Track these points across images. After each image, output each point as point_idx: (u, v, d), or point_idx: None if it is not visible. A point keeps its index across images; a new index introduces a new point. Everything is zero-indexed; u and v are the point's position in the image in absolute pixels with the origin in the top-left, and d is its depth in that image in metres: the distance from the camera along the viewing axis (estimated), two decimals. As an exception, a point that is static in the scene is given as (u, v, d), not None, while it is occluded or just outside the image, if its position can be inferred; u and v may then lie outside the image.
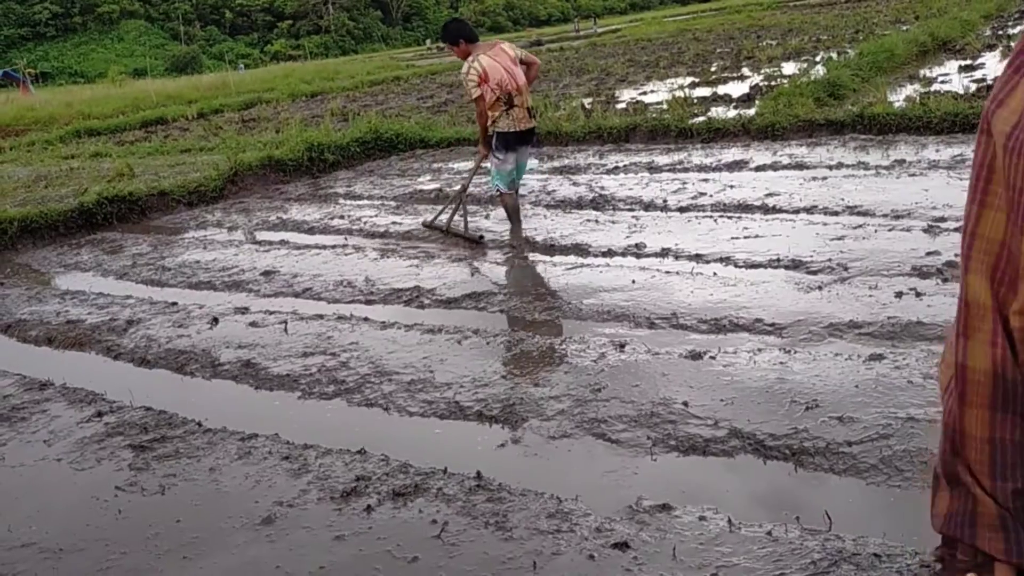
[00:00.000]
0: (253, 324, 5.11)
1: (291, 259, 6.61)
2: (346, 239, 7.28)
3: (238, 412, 4.02)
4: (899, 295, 4.38)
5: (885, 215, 5.86)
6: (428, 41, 70.77)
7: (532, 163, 6.97)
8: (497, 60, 6.33)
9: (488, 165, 6.76)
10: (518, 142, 6.56)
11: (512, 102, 6.35)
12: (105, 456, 3.69)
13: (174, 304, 5.70)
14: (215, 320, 5.26)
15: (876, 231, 5.52)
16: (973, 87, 10.47)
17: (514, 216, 6.86)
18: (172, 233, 8.37)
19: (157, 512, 3.20)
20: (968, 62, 13.21)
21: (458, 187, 7.22)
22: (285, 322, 5.06)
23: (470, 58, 6.32)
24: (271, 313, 5.29)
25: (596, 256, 5.87)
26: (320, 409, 3.99)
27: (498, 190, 6.74)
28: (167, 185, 9.73)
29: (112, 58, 69.37)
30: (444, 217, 6.96)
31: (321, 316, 5.15)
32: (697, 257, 5.53)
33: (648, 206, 7.04)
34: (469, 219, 6.97)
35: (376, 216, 7.92)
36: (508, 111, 6.38)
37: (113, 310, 5.75)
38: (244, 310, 5.42)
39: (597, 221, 6.75)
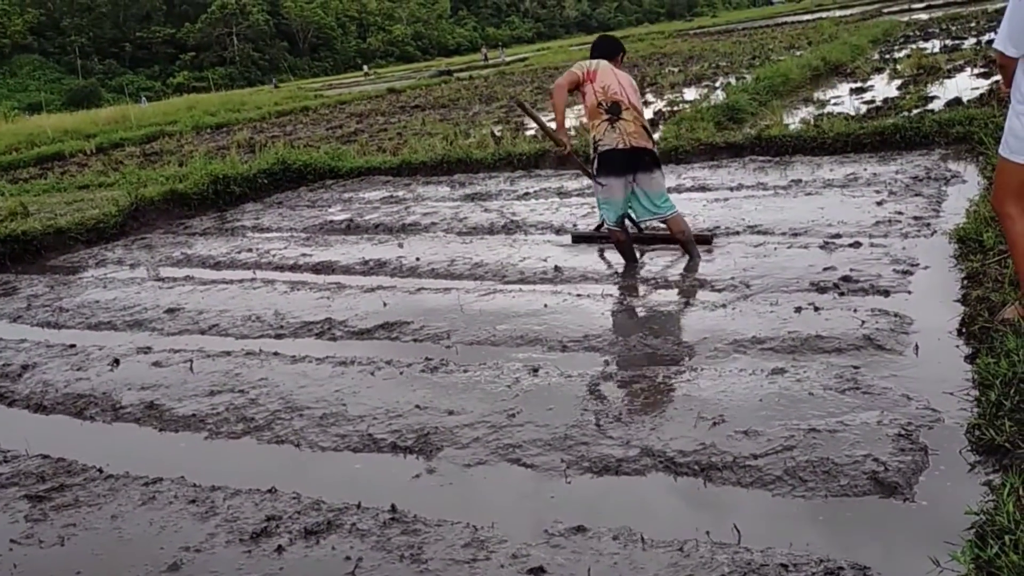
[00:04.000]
0: (157, 364, 4.95)
1: (197, 295, 6.44)
2: (254, 273, 7.13)
3: (141, 456, 3.88)
4: (798, 310, 4.53)
5: (784, 233, 6.07)
6: (366, 67, 71.23)
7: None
8: (616, 73, 5.60)
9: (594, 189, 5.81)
10: (626, 165, 5.52)
11: (620, 114, 5.44)
12: (-2, 509, 3.51)
13: (72, 346, 5.48)
14: (116, 361, 5.08)
15: (775, 249, 5.71)
16: (864, 108, 10.98)
17: (622, 253, 5.89)
18: (70, 273, 8.06)
19: (56, 565, 3.05)
20: (859, 84, 13.85)
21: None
22: (191, 360, 4.91)
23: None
24: (176, 352, 5.13)
25: (510, 281, 5.90)
26: (228, 449, 3.88)
27: (603, 224, 5.85)
28: (64, 223, 9.38)
29: (4, 94, 66.60)
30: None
31: (229, 353, 5.02)
32: (607, 279, 5.61)
33: (559, 231, 7.12)
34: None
35: (285, 248, 7.80)
36: (613, 124, 5.43)
37: (6, 355, 5.49)
38: (147, 350, 5.25)
39: (509, 247, 6.79)
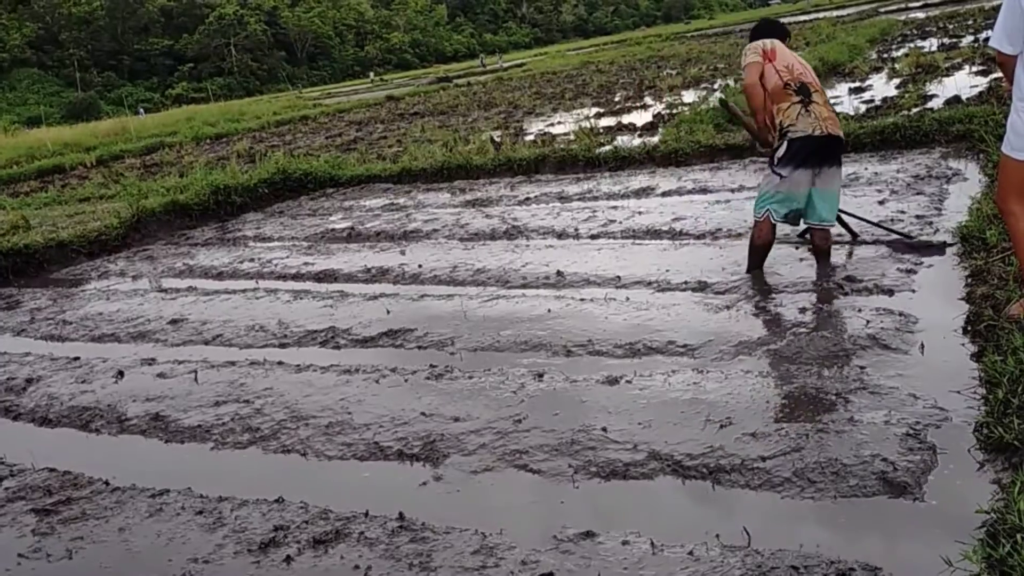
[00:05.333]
0: (161, 375, 4.95)
1: (200, 306, 6.44)
2: (257, 282, 7.13)
3: (148, 468, 3.87)
4: (803, 311, 4.52)
5: (786, 234, 6.05)
6: (371, 74, 71.58)
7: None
8: (792, 53, 5.11)
9: (760, 183, 5.16)
10: (819, 156, 4.92)
11: (811, 96, 4.86)
12: (6, 523, 3.51)
13: (76, 359, 5.48)
14: (120, 373, 5.07)
15: (778, 250, 5.68)
16: (863, 108, 10.97)
17: (757, 257, 5.25)
18: (72, 285, 8.07)
19: (63, 579, 3.05)
20: (857, 84, 13.86)
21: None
22: (195, 371, 4.91)
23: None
24: (180, 363, 5.13)
25: (513, 287, 5.90)
26: (235, 459, 3.87)
27: (764, 216, 5.07)
28: (66, 236, 9.38)
29: (4, 107, 66.77)
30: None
31: (233, 363, 5.02)
32: (610, 283, 5.61)
33: (561, 235, 7.12)
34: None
35: (287, 257, 7.80)
36: (807, 107, 4.82)
37: (11, 368, 5.49)
38: (151, 361, 5.25)
39: (512, 252, 6.78)
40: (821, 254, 5.26)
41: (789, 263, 5.41)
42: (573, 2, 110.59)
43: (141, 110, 47.78)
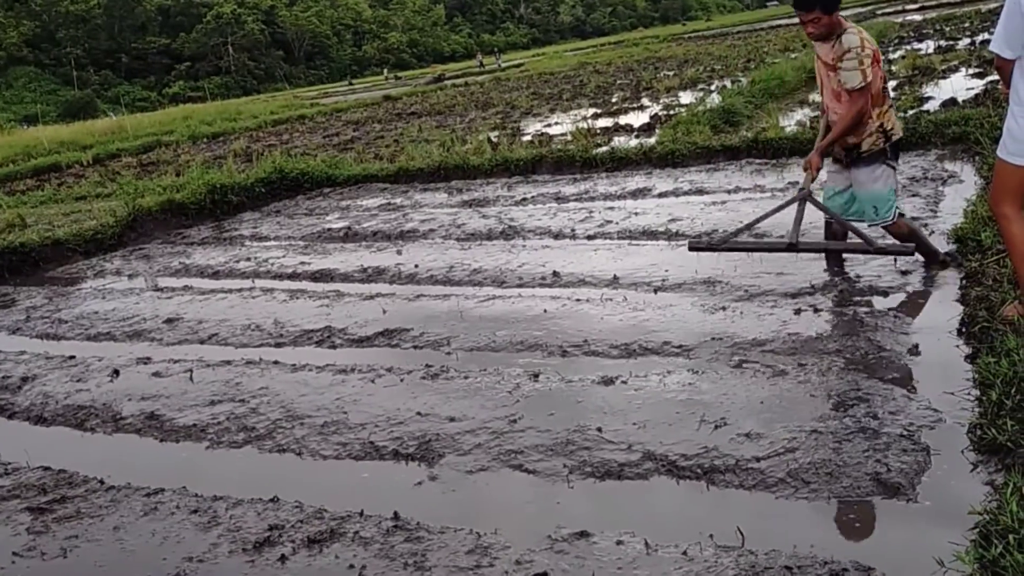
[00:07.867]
0: (156, 374, 4.94)
1: (195, 305, 6.43)
2: (253, 282, 7.13)
3: (143, 467, 3.87)
4: (798, 312, 4.53)
5: (782, 236, 6.05)
6: (385, 71, 71.42)
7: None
8: None
9: (876, 187, 4.76)
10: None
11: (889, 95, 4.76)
12: (0, 521, 3.50)
13: (72, 358, 5.47)
14: (116, 372, 5.07)
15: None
16: (858, 110, 10.97)
17: (921, 239, 4.95)
18: (68, 284, 8.05)
19: (58, 578, 3.05)
20: (853, 87, 13.86)
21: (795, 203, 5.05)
22: (190, 370, 4.91)
23: (850, 29, 4.53)
24: (175, 362, 5.12)
25: (509, 287, 5.90)
26: (230, 458, 3.87)
27: (900, 215, 4.86)
28: (62, 234, 9.37)
29: (0, 106, 66.71)
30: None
31: (229, 362, 5.01)
32: (606, 284, 5.62)
33: (557, 235, 7.12)
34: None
35: (284, 257, 7.79)
36: (893, 108, 4.75)
37: (5, 367, 5.49)
38: (147, 360, 5.24)
39: (508, 252, 6.79)
40: (833, 253, 5.26)
41: (787, 264, 5.42)
42: (571, 3, 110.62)
43: (112, 113, 47.43)
